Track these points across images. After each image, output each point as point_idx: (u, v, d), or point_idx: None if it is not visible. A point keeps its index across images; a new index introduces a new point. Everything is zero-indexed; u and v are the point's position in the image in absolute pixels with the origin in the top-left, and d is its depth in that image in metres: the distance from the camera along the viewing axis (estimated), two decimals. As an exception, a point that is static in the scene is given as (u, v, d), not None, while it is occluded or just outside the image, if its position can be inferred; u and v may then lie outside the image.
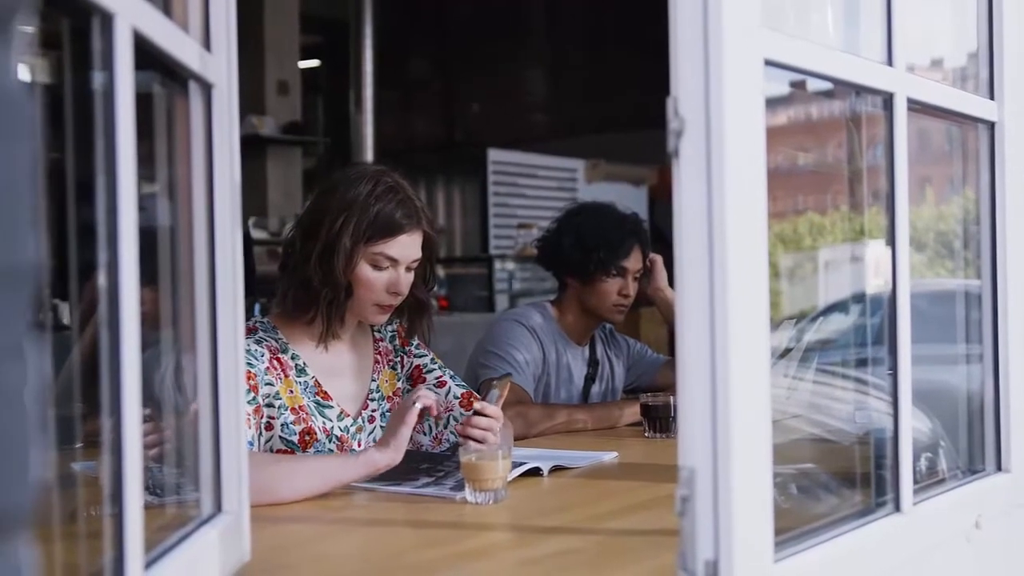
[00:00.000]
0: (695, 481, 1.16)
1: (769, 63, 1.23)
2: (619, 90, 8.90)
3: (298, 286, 2.15)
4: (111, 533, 0.98)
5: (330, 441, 2.16)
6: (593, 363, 3.07)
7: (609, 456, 2.30)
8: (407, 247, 2.16)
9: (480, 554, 1.58)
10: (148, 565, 1.06)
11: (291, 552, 1.58)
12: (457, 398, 2.29)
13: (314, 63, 9.72)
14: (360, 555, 1.61)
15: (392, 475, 2.00)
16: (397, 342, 2.35)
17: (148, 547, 1.05)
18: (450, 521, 1.75)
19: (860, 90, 1.53)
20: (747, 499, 1.16)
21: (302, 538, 1.68)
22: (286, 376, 2.14)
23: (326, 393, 2.18)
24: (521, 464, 2.04)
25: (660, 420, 2.59)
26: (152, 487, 1.30)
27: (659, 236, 4.62)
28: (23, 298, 0.56)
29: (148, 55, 1.10)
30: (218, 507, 1.34)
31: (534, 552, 1.55)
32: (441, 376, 2.34)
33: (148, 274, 1.10)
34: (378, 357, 2.31)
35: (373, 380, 2.29)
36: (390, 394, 2.31)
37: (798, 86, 1.47)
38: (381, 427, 2.25)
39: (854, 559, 1.39)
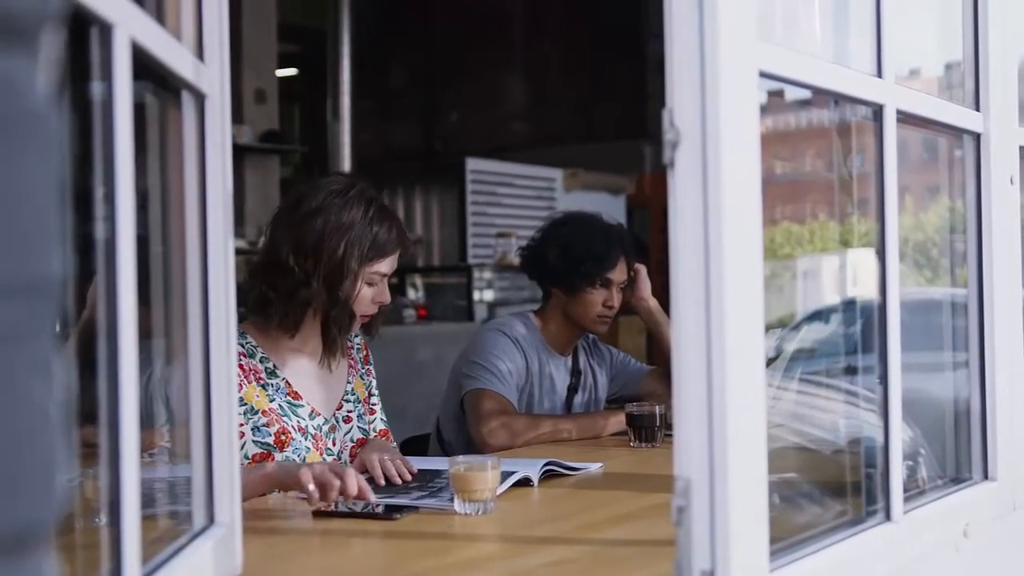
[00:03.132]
0: (691, 492, 1.16)
1: (764, 75, 1.24)
2: (598, 100, 8.93)
3: (299, 306, 2.20)
4: (108, 546, 0.98)
5: (306, 439, 2.21)
6: (576, 373, 3.07)
7: (596, 467, 2.30)
8: (395, 261, 2.28)
9: (472, 565, 1.58)
10: (144, 578, 1.05)
11: (281, 564, 1.57)
12: (375, 432, 2.39)
13: (292, 72, 9.70)
14: (350, 567, 1.60)
15: (386, 489, 2.00)
16: (361, 356, 2.44)
17: (142, 560, 1.04)
18: (440, 532, 1.74)
19: (851, 101, 1.54)
20: (743, 509, 1.16)
21: (292, 550, 1.67)
22: (250, 382, 2.18)
23: (296, 393, 2.24)
24: (512, 474, 2.04)
25: (645, 430, 2.59)
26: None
27: (638, 245, 4.62)
28: (49, 312, 0.56)
29: (143, 64, 1.09)
30: (211, 519, 1.33)
31: (527, 563, 1.55)
32: (375, 405, 2.45)
33: (139, 284, 1.09)
34: (351, 362, 2.39)
35: (348, 382, 2.36)
36: (363, 399, 2.39)
37: (776, 95, 1.48)
38: (359, 427, 2.34)
39: (847, 568, 1.39)
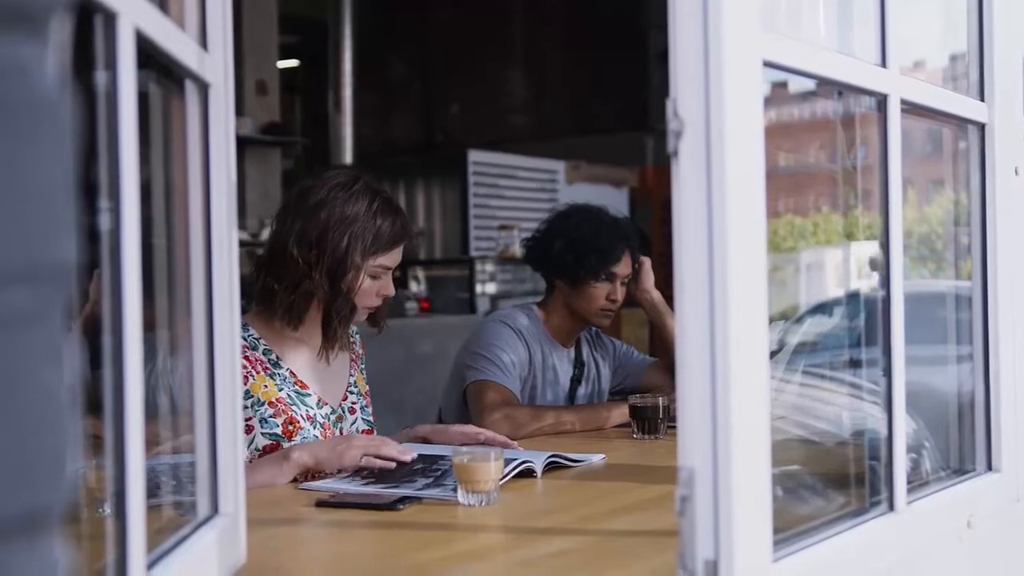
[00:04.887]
0: (695, 481, 1.16)
1: (767, 64, 1.23)
2: (600, 92, 8.93)
3: (302, 298, 2.21)
4: (113, 535, 0.98)
5: (314, 427, 2.23)
6: (579, 365, 3.07)
7: (598, 458, 2.30)
8: (399, 254, 2.29)
9: (475, 556, 1.58)
10: (148, 567, 1.05)
11: (286, 554, 1.58)
12: (358, 432, 2.38)
13: (293, 63, 9.69)
14: (354, 558, 1.60)
15: (389, 477, 2.00)
16: (360, 352, 2.46)
17: (147, 549, 1.04)
18: (443, 523, 1.74)
19: (855, 91, 1.53)
20: (746, 499, 1.16)
21: (296, 540, 1.67)
22: (258, 373, 2.20)
23: (303, 382, 2.26)
24: (514, 461, 2.04)
25: (648, 421, 2.59)
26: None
27: (641, 237, 4.62)
28: (61, 298, 0.56)
29: (146, 53, 1.09)
30: (215, 509, 1.33)
31: (530, 554, 1.55)
32: (367, 404, 2.44)
33: (142, 274, 1.09)
34: (353, 356, 2.42)
35: (351, 375, 2.39)
36: (364, 391, 2.42)
37: (779, 86, 1.47)
38: (363, 419, 2.37)
39: (851, 558, 1.39)
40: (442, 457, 2.11)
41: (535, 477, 2.07)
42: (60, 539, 0.57)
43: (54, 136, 0.57)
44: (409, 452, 2.08)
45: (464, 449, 1.91)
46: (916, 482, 1.66)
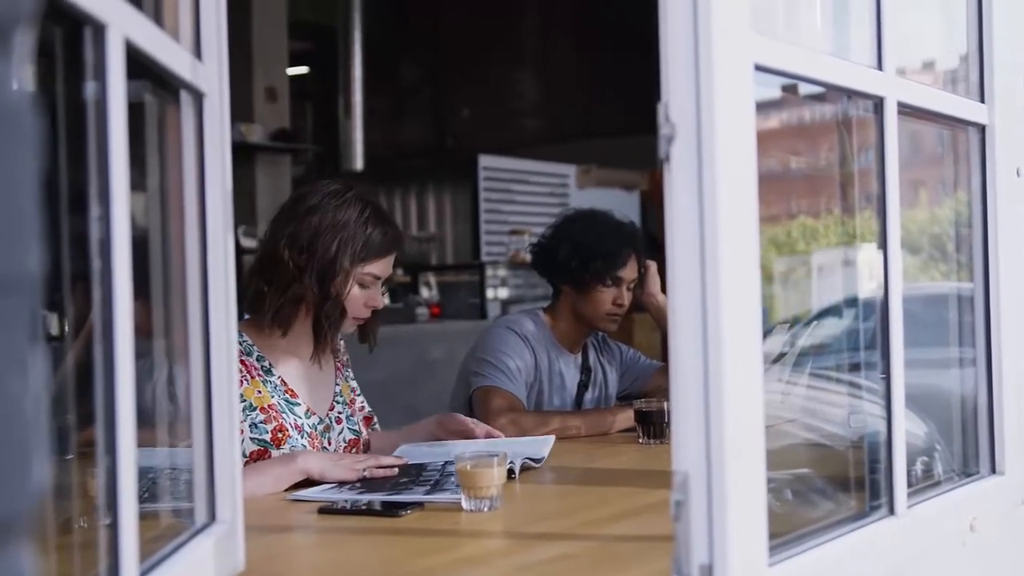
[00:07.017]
0: (689, 485, 1.16)
1: (759, 68, 1.23)
2: (610, 95, 8.91)
3: (291, 301, 2.23)
4: (106, 543, 0.98)
5: (301, 436, 2.25)
6: (586, 370, 3.07)
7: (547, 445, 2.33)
8: (389, 266, 2.32)
9: (477, 561, 1.58)
10: (143, 575, 1.05)
11: (285, 562, 1.58)
12: (344, 442, 2.40)
13: (303, 70, 9.70)
14: (355, 564, 1.60)
15: (379, 487, 2.00)
16: (345, 359, 2.49)
17: (142, 557, 1.05)
18: (445, 528, 1.74)
19: (851, 94, 1.53)
20: (741, 503, 1.16)
21: (296, 547, 1.68)
22: (252, 378, 2.22)
23: (293, 391, 2.28)
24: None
25: (654, 426, 2.58)
26: (143, 495, 1.30)
27: (652, 241, 4.62)
28: (26, 307, 0.57)
29: (139, 64, 1.10)
30: (212, 516, 1.33)
31: (530, 558, 1.55)
32: (352, 412, 2.44)
33: (139, 285, 1.10)
34: (339, 365, 2.44)
35: (337, 384, 2.41)
36: (349, 400, 2.44)
37: (789, 90, 1.47)
38: (349, 428, 2.38)
39: (849, 562, 1.39)
40: (425, 467, 2.15)
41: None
42: (26, 547, 0.58)
43: (19, 146, 0.57)
44: (404, 458, 2.18)
45: (467, 455, 1.91)
46: (923, 485, 1.66)
